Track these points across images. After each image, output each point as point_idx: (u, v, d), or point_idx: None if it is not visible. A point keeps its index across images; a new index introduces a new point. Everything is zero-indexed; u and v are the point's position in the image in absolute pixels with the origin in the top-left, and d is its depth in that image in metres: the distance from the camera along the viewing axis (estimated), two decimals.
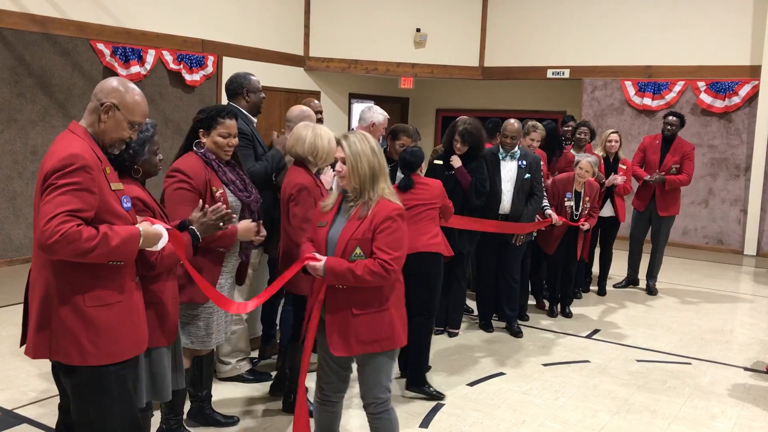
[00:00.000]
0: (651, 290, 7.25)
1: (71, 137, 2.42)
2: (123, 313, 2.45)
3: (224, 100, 9.94)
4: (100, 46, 8.11)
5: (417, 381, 4.37)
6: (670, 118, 7.07)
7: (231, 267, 3.43)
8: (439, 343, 5.38)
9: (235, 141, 3.33)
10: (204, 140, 3.29)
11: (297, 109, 4.54)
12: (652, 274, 7.36)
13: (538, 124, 6.13)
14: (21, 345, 2.62)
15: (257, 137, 4.33)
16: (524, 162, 5.53)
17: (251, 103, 4.43)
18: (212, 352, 3.69)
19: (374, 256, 2.83)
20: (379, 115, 5.27)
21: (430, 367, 4.73)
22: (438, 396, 4.32)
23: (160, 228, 2.53)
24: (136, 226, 2.47)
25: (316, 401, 3.16)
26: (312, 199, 3.57)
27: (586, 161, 5.96)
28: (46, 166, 2.33)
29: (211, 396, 3.79)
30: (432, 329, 4.64)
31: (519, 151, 5.56)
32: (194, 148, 3.30)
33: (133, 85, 2.55)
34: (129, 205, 2.51)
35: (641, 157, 7.26)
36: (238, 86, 4.43)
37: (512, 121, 5.53)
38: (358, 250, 2.85)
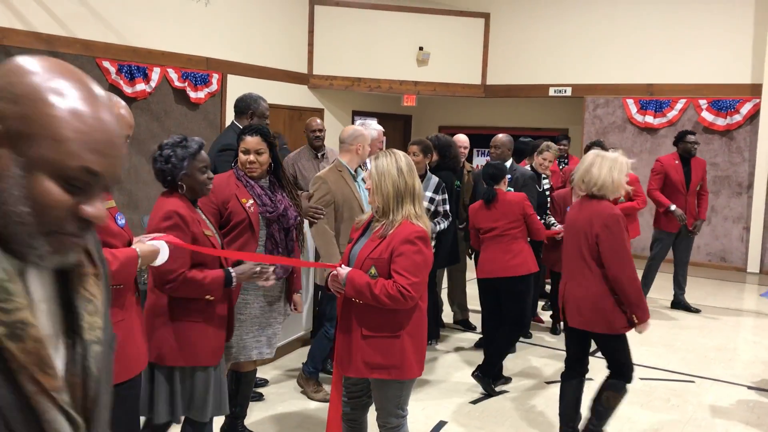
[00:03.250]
0: (687, 305, 7.29)
1: None
2: (126, 330, 2.45)
3: (229, 118, 10.06)
4: (106, 63, 8.19)
5: (485, 372, 4.62)
6: (691, 137, 7.03)
7: (267, 289, 3.38)
8: (441, 360, 5.38)
9: (255, 158, 3.34)
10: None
11: (350, 129, 4.54)
12: (682, 287, 7.38)
13: (552, 144, 6.18)
14: None
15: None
16: (510, 177, 5.65)
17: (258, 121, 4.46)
18: (254, 371, 3.64)
19: (393, 279, 2.76)
20: (373, 130, 5.31)
21: (503, 376, 4.89)
22: (494, 393, 4.66)
23: (157, 244, 2.52)
24: (133, 246, 2.46)
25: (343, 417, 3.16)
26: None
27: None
28: None
29: (245, 414, 3.73)
30: (516, 339, 4.95)
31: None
32: (233, 166, 3.45)
33: (117, 98, 2.50)
34: (123, 221, 2.51)
35: (661, 180, 7.10)
36: (246, 107, 4.47)
37: (500, 135, 5.87)
38: (373, 270, 2.80)
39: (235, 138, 4.21)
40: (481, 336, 5.98)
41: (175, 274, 2.69)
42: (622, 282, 3.42)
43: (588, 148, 6.95)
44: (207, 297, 2.79)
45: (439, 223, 5.14)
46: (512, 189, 5.55)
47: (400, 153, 2.95)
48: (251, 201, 3.29)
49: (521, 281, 4.70)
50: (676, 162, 7.10)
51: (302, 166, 5.57)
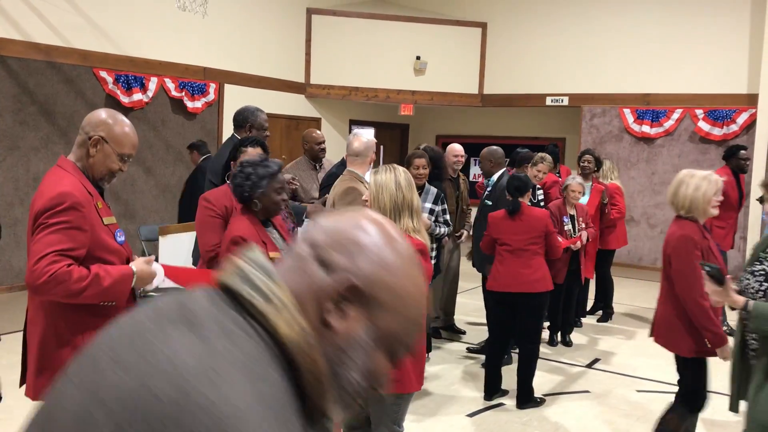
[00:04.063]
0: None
1: (60, 174, 2.38)
2: None
3: (225, 127, 10.06)
4: (103, 74, 8.19)
5: (526, 398, 4.69)
6: (744, 152, 6.90)
7: None
8: (435, 372, 5.37)
9: None
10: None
11: (362, 140, 4.47)
12: None
13: (547, 156, 6.18)
14: (21, 385, 2.59)
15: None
16: (491, 188, 5.75)
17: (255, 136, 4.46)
18: None
19: None
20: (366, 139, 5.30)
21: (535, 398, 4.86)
22: (542, 401, 4.77)
23: (156, 267, 2.50)
24: (130, 265, 2.43)
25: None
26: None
27: (575, 183, 5.99)
28: (36, 205, 2.30)
29: None
30: (537, 355, 4.93)
31: (494, 179, 5.81)
32: (225, 180, 3.42)
33: (121, 117, 2.48)
34: (123, 239, 2.49)
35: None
36: (244, 120, 4.47)
37: (484, 149, 5.94)
38: None
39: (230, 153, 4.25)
40: (473, 345, 5.98)
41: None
42: (687, 303, 3.37)
43: (580, 157, 6.97)
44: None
45: (439, 227, 5.15)
46: (489, 203, 5.57)
47: (400, 168, 2.96)
48: None
49: (540, 296, 4.74)
50: (728, 178, 6.90)
51: (301, 177, 5.58)
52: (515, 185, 4.77)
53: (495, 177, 5.82)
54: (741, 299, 2.83)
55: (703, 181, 3.36)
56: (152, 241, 7.25)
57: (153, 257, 2.58)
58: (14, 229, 7.52)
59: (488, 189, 5.84)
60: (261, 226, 2.94)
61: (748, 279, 2.94)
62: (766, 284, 2.88)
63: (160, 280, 2.53)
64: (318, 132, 5.89)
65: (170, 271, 2.61)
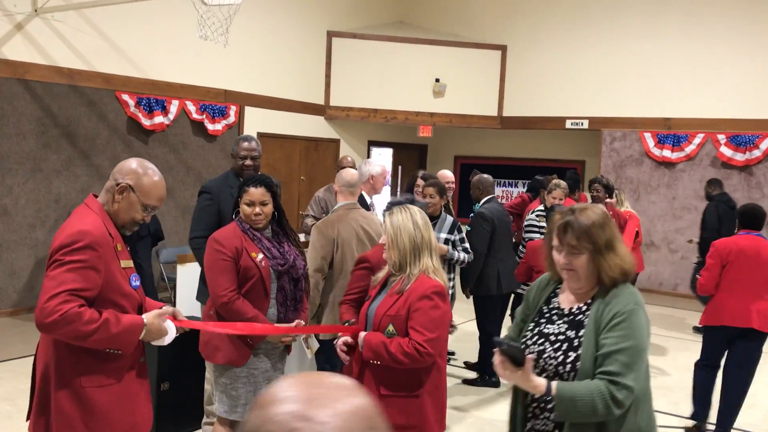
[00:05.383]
0: None
1: (86, 212, 2.40)
2: (119, 395, 2.39)
3: None
4: (125, 96, 8.28)
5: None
6: None
7: (271, 354, 3.30)
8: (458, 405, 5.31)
9: (260, 209, 3.21)
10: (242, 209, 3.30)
11: (353, 172, 4.47)
12: None
13: (561, 182, 6.13)
14: (27, 419, 2.60)
15: (230, 196, 4.06)
16: (472, 213, 5.82)
17: (234, 167, 4.40)
18: None
19: (409, 336, 2.71)
20: (376, 167, 5.31)
21: None
22: None
23: (168, 325, 2.47)
24: (143, 316, 2.42)
25: None
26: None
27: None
28: (56, 241, 2.32)
29: None
30: None
31: (477, 206, 5.90)
32: (234, 218, 3.33)
33: (152, 168, 2.49)
34: (137, 283, 2.48)
35: None
36: (231, 149, 4.51)
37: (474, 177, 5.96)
38: (390, 327, 2.75)
39: (221, 181, 4.26)
40: (470, 361, 6.02)
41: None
42: None
43: (590, 186, 6.90)
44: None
45: (457, 252, 5.13)
46: (468, 228, 5.58)
47: (415, 208, 2.94)
48: (261, 255, 3.20)
49: None
50: None
51: (330, 200, 5.63)
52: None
53: (479, 204, 5.89)
54: (542, 383, 2.11)
55: None
56: (171, 263, 7.30)
57: (168, 310, 2.56)
58: (35, 250, 7.60)
59: (471, 215, 5.90)
60: None
61: (543, 345, 2.25)
62: (572, 354, 2.18)
63: (171, 338, 2.50)
64: (349, 158, 6.06)
65: (194, 326, 2.61)
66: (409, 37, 11.47)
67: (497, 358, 2.14)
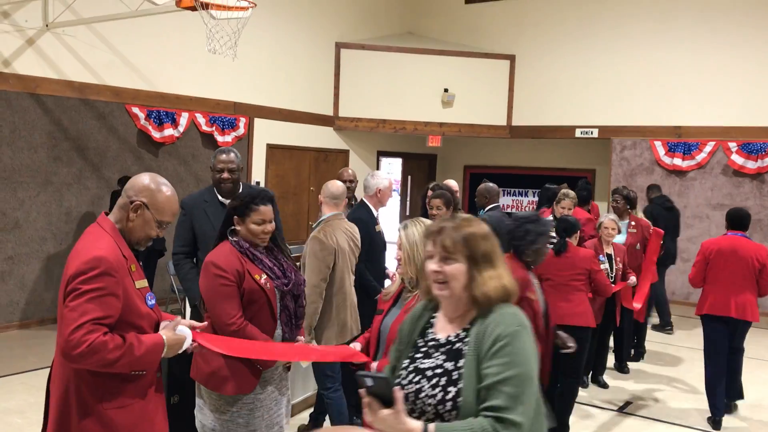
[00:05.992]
0: None
1: (98, 233, 2.39)
2: (140, 414, 2.40)
3: (255, 161, 10.17)
4: (135, 110, 8.33)
5: None
6: None
7: (274, 377, 3.16)
8: None
9: (270, 227, 3.09)
10: (239, 228, 3.07)
11: (336, 186, 4.50)
12: None
13: (570, 192, 6.11)
14: None
15: (204, 212, 4.08)
16: None
17: (212, 179, 4.27)
18: None
19: None
20: (383, 180, 5.30)
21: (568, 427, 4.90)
22: None
23: (183, 330, 2.48)
24: (160, 333, 2.43)
25: None
26: None
27: (608, 219, 5.89)
28: (70, 267, 2.31)
29: None
30: (577, 391, 5.05)
31: (482, 213, 5.88)
32: (228, 237, 3.10)
33: (165, 183, 2.48)
34: (153, 302, 2.48)
35: None
36: (210, 162, 4.45)
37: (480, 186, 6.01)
38: None
39: (197, 197, 4.19)
40: None
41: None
42: None
43: (612, 195, 6.83)
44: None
45: None
46: None
47: (428, 221, 2.90)
48: (264, 276, 3.04)
49: (581, 330, 4.78)
50: None
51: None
52: (563, 227, 5.01)
53: (483, 211, 5.90)
54: (417, 426, 1.78)
55: None
56: None
57: (179, 318, 2.56)
58: (46, 263, 7.63)
59: None
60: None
61: (420, 383, 1.92)
62: (452, 389, 1.86)
63: (188, 344, 2.49)
64: (349, 170, 6.02)
65: (206, 338, 2.58)
66: (418, 48, 11.49)
67: (365, 400, 1.81)
